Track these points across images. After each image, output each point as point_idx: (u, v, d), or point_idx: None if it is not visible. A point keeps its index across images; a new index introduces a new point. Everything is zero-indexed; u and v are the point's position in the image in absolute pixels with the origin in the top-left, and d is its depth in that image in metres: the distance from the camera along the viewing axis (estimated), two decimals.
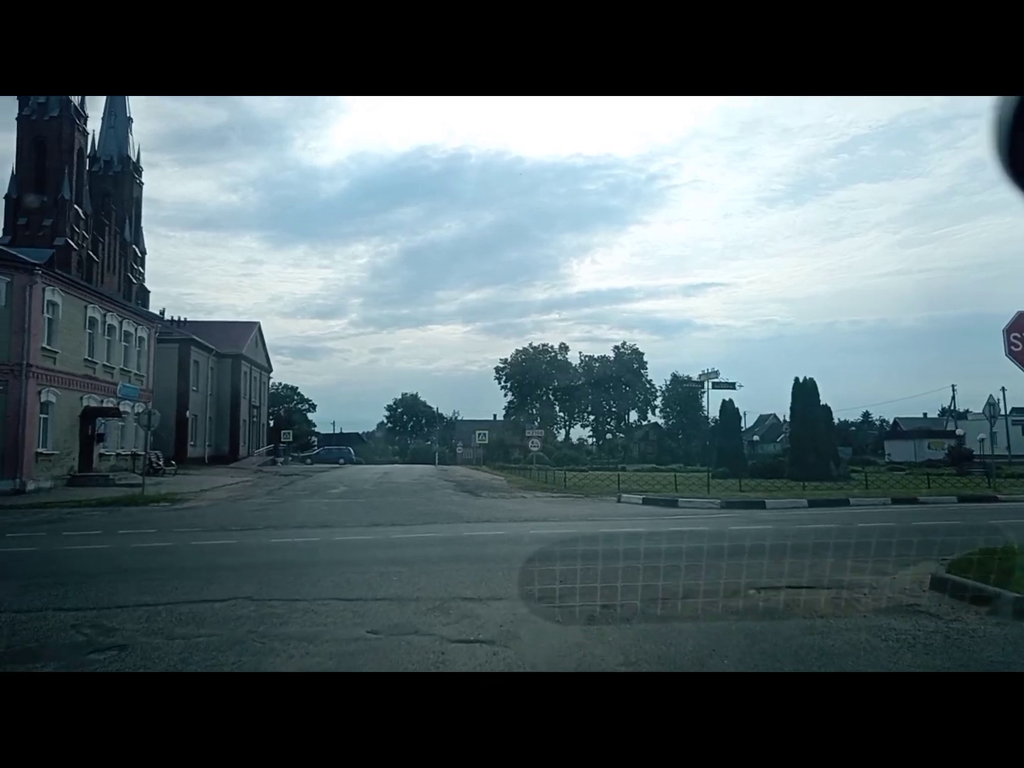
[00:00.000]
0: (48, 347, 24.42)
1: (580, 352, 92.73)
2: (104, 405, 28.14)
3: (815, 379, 36.34)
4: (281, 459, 53.59)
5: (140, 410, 31.86)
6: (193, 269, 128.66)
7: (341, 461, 55.82)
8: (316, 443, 73.41)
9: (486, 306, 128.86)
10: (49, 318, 24.66)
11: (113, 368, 29.41)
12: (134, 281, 74.57)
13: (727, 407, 42.31)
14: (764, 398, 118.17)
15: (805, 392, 35.99)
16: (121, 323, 30.27)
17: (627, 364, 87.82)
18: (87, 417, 27.11)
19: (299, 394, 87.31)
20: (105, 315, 28.68)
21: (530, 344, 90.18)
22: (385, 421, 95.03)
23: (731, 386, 20.37)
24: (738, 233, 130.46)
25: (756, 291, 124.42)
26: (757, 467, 38.52)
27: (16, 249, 27.64)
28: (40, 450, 23.93)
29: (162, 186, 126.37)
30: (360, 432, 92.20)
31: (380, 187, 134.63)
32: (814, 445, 35.20)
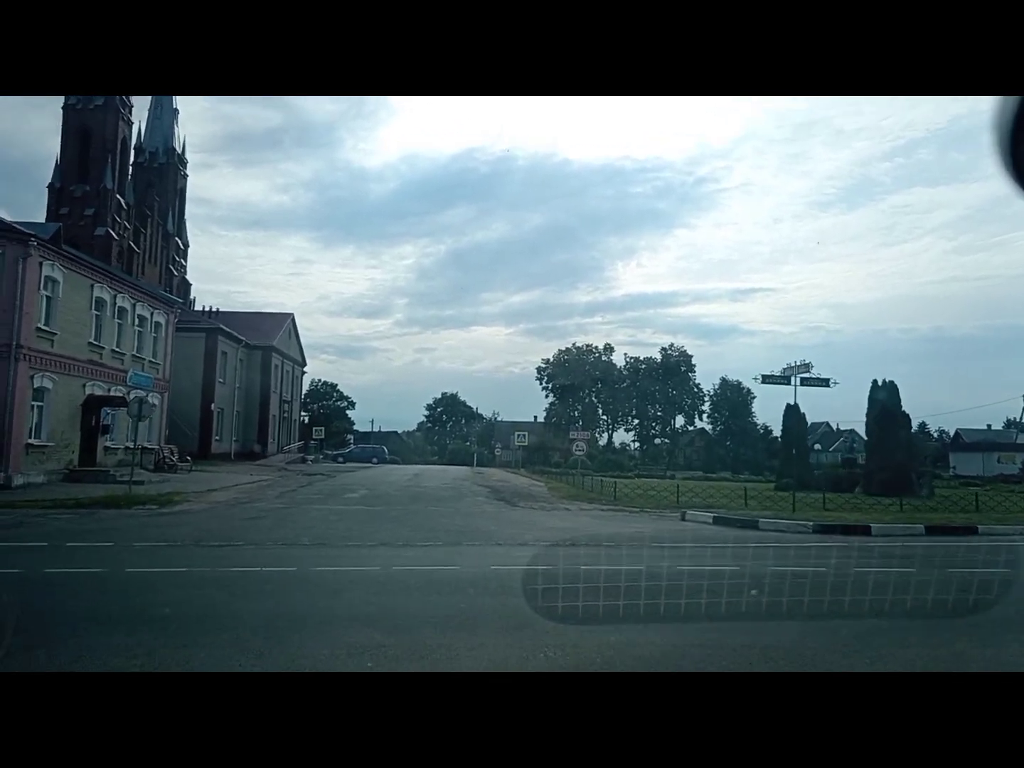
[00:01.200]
0: (44, 327, 22.06)
1: (625, 353, 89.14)
2: (111, 394, 25.75)
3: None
4: (311, 457, 51.30)
5: (154, 400, 29.70)
6: (244, 268, 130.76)
7: (374, 460, 53.38)
8: (352, 441, 71.28)
9: (530, 308, 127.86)
10: (47, 296, 22.33)
11: (123, 354, 27.09)
12: (175, 273, 73.72)
13: (792, 412, 38.42)
14: (815, 406, 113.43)
15: (885, 396, 31.99)
16: (134, 306, 27.95)
17: (674, 367, 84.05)
18: (91, 406, 24.76)
19: (338, 391, 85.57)
20: (115, 296, 26.36)
21: (573, 344, 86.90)
22: (425, 420, 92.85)
23: (824, 383, 16.86)
24: (788, 237, 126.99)
25: (805, 297, 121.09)
26: (823, 479, 34.72)
27: (28, 227, 25.54)
28: (31, 441, 21.57)
29: (217, 186, 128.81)
30: (399, 431, 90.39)
31: (429, 188, 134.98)
32: (894, 456, 31.23)
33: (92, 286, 24.81)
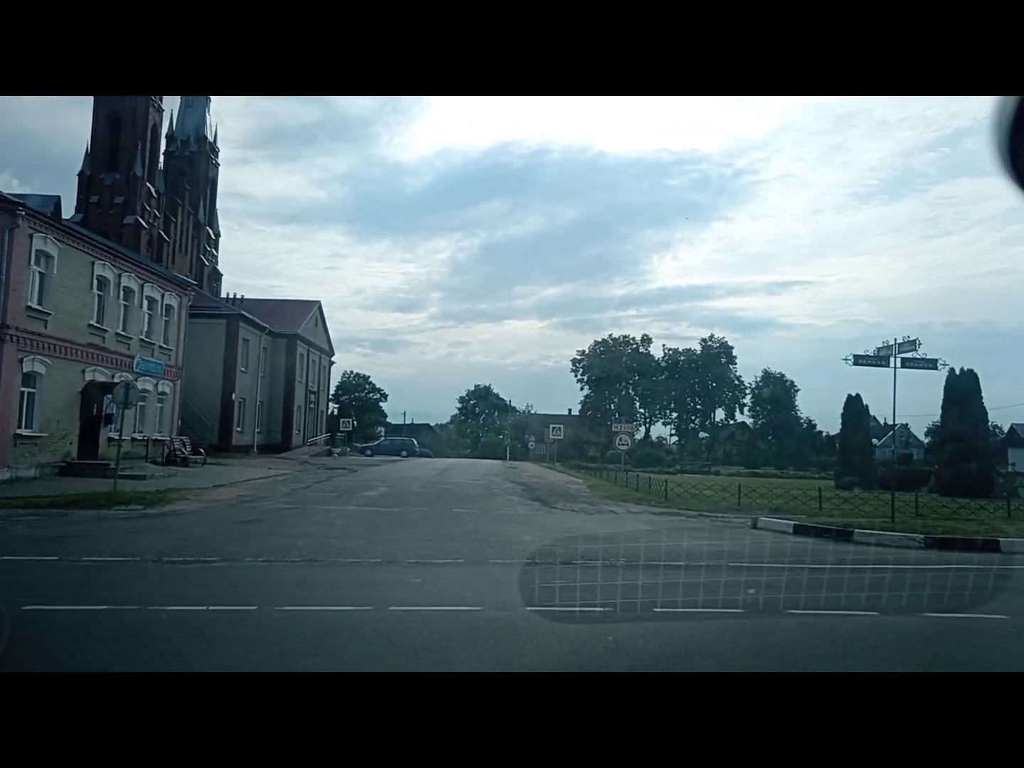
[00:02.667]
0: (37, 306, 20.06)
1: (664, 344, 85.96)
2: (115, 381, 23.73)
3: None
4: (338, 449, 49.40)
5: (164, 388, 27.80)
6: (281, 262, 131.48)
7: (403, 453, 51.38)
8: (383, 433, 69.55)
9: (563, 302, 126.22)
10: (40, 272, 20.33)
11: (130, 338, 25.12)
12: (206, 263, 72.46)
13: (853, 404, 35.31)
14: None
15: (962, 387, 28.71)
16: (142, 286, 25.96)
17: (714, 358, 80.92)
18: (92, 394, 22.81)
19: (371, 383, 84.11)
20: (120, 275, 24.35)
21: (610, 335, 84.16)
22: (457, 413, 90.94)
23: (932, 364, 14.04)
24: (827, 230, 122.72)
25: (844, 290, 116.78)
26: (888, 476, 31.59)
27: (25, 199, 23.68)
28: (20, 431, 19.59)
29: (254, 181, 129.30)
30: (431, 423, 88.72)
31: (463, 182, 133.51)
32: (973, 452, 28.06)
33: (93, 263, 22.78)
